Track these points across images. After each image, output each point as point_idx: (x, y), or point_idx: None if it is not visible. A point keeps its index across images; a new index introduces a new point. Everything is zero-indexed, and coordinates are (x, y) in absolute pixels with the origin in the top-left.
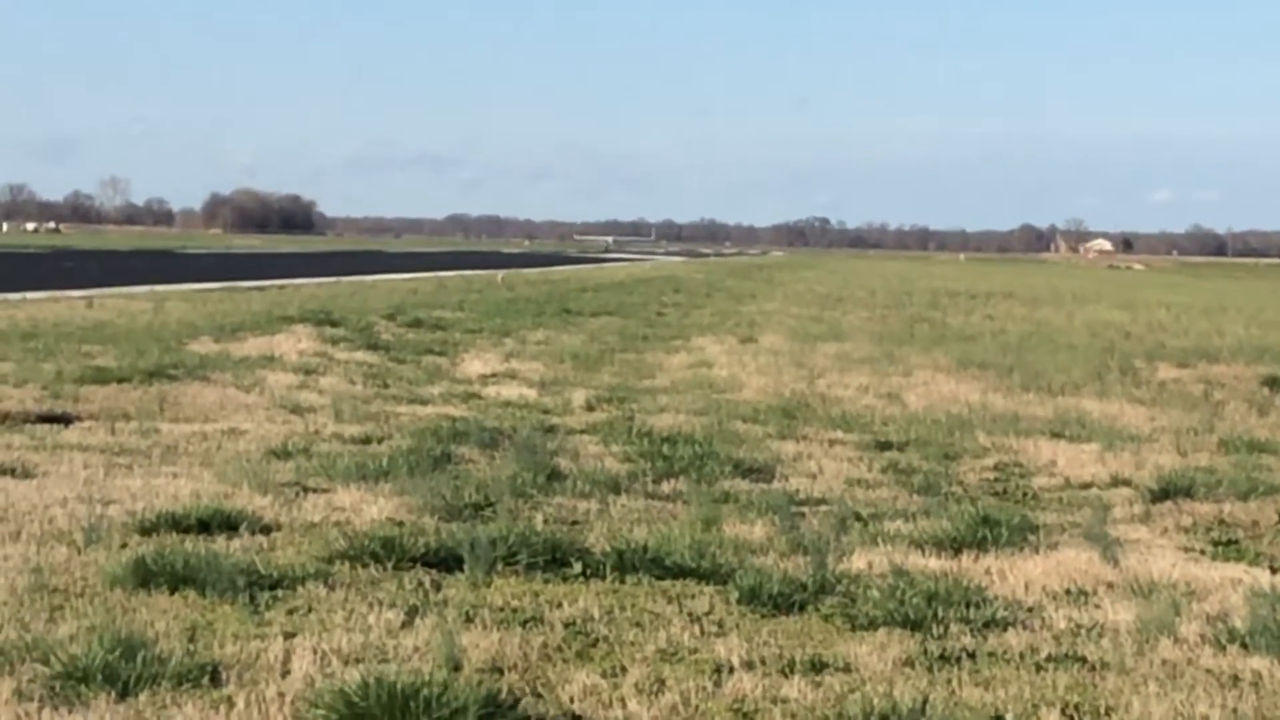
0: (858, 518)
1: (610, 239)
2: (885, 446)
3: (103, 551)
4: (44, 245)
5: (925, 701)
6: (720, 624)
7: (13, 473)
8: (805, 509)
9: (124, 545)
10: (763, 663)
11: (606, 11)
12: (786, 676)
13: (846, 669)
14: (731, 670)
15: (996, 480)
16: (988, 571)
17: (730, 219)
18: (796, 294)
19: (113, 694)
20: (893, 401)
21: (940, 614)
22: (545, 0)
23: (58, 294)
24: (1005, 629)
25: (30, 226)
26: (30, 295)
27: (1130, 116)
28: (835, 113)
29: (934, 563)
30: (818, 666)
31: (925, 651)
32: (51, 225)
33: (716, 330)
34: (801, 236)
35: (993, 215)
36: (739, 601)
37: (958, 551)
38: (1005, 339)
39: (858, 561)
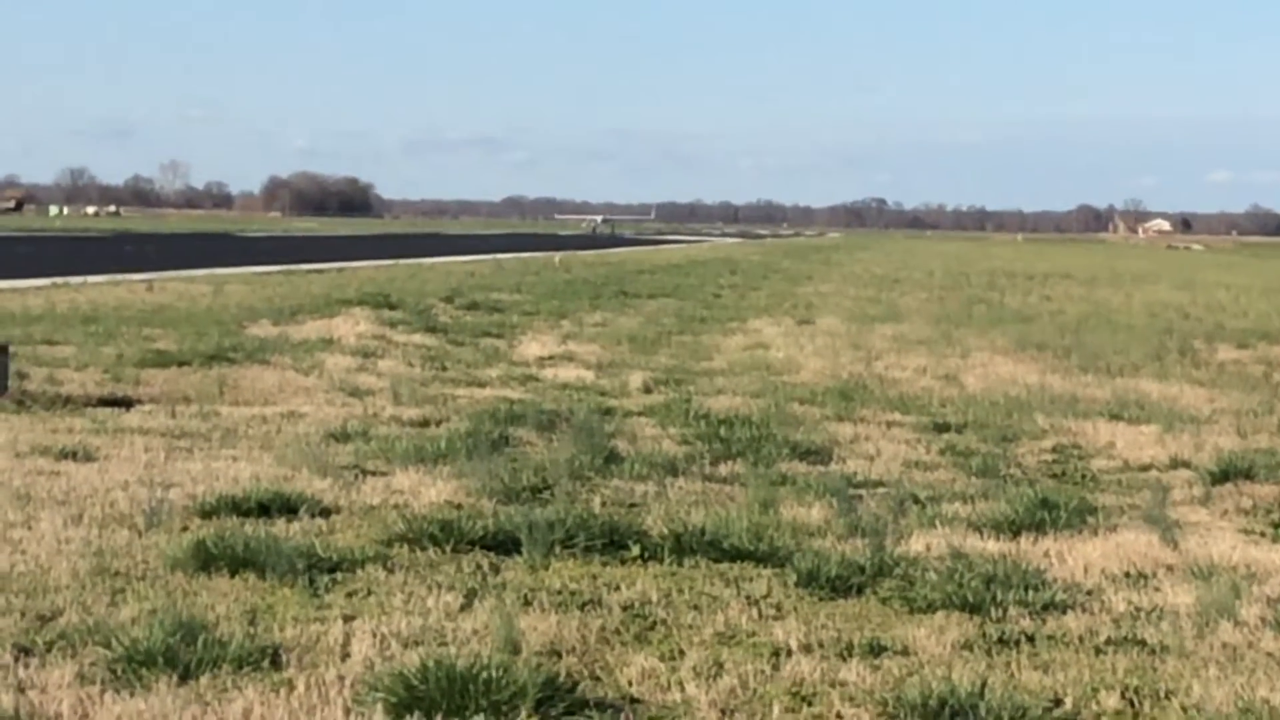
0: (916, 500)
1: (599, 219)
2: (943, 428)
3: (163, 535)
4: (105, 229)
5: (984, 685)
6: (778, 607)
7: (74, 456)
8: (863, 491)
9: (185, 528)
10: (821, 646)
11: None
12: (845, 660)
13: (905, 652)
14: (790, 653)
15: (1055, 462)
16: (1046, 554)
17: (787, 200)
18: (853, 275)
19: (174, 677)
20: (951, 383)
21: (999, 597)
22: None
23: (118, 277)
24: (1064, 612)
25: (91, 210)
26: (91, 279)
27: (1189, 97)
28: (892, 93)
29: (992, 545)
30: (876, 650)
31: (984, 635)
32: (112, 209)
33: (773, 312)
34: (858, 217)
35: (1051, 196)
36: (797, 584)
37: (1016, 534)
38: (1063, 320)
39: (916, 544)
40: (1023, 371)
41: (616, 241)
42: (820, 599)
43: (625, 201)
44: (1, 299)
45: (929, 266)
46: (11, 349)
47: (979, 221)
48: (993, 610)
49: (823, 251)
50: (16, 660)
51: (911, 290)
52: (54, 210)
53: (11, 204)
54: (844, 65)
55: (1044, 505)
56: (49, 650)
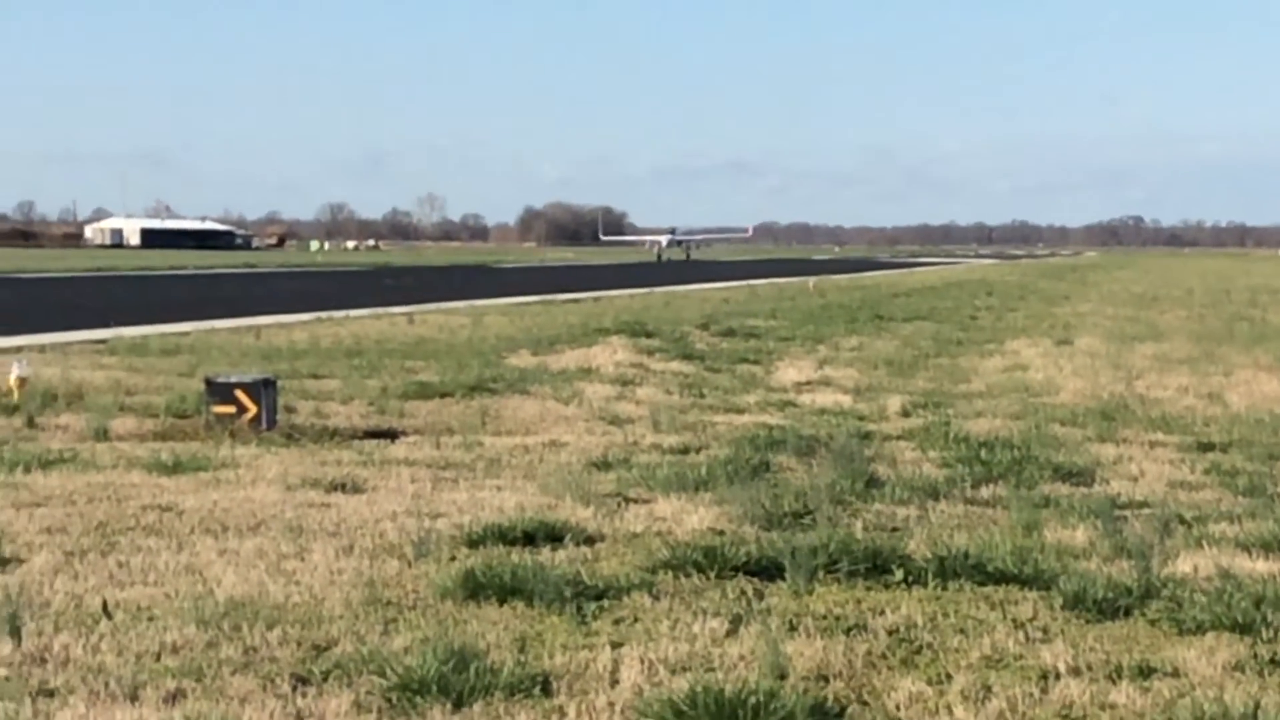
0: (1181, 521)
1: (663, 240)
2: (1207, 448)
3: (432, 564)
4: (364, 262)
5: (1257, 706)
6: (1045, 630)
7: (343, 488)
8: (1127, 512)
9: (453, 558)
10: (1089, 668)
11: (908, 15)
12: (1114, 682)
13: (1175, 674)
14: (1058, 676)
15: None
16: None
17: (1041, 220)
18: (1111, 294)
19: (448, 705)
20: (1214, 402)
21: (1269, 617)
22: (846, 8)
23: (379, 310)
24: None
25: (351, 244)
26: (353, 312)
27: None
28: (1148, 108)
29: (1261, 565)
30: (1145, 672)
31: (1255, 655)
32: (371, 242)
33: (1031, 333)
34: (1114, 236)
35: None
36: (1063, 607)
37: None
38: None
39: (1183, 565)
40: None
41: (871, 265)
42: (1087, 621)
43: (879, 225)
44: (268, 334)
45: (1188, 284)
46: (279, 383)
47: (1239, 237)
48: (1264, 631)
49: (1079, 271)
50: (294, 690)
51: (1171, 308)
52: (315, 245)
53: (274, 240)
54: (1097, 80)
55: None
56: (325, 679)
